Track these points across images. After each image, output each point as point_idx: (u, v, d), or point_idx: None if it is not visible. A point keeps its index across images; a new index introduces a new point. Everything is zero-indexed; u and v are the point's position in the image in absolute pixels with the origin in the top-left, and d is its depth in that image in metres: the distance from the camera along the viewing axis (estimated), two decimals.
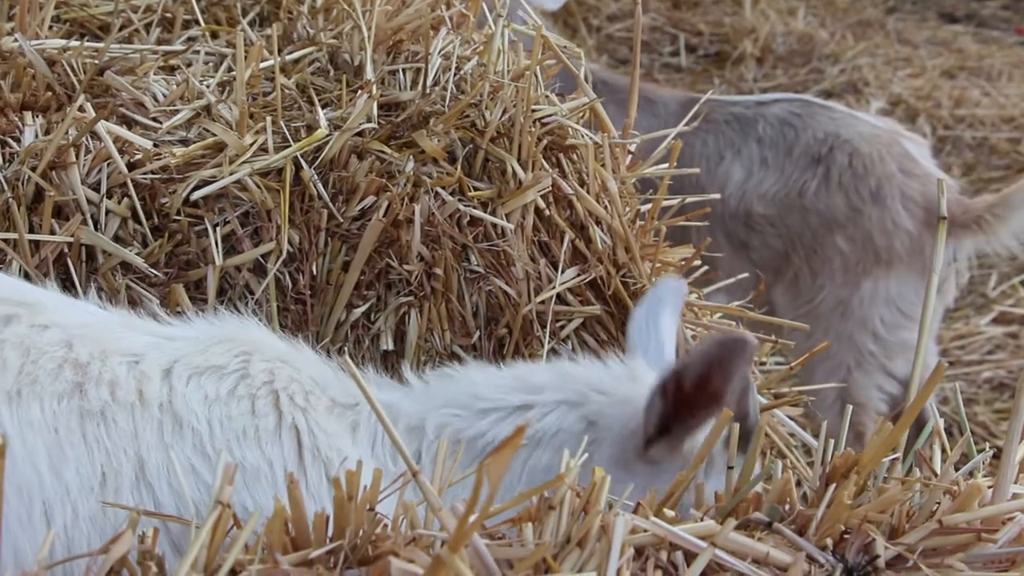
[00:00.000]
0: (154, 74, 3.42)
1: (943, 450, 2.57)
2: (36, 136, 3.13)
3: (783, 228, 4.81)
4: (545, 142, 3.31)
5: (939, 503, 2.27)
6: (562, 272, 3.25)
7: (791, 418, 3.49)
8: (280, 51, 3.50)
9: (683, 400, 2.44)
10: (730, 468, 2.57)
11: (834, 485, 2.28)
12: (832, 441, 2.50)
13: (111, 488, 2.31)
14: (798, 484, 2.58)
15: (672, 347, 2.83)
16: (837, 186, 4.71)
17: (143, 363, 2.44)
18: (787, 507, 2.30)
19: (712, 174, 4.85)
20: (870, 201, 4.65)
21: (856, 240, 4.68)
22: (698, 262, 3.55)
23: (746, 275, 4.21)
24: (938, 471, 2.46)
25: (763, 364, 3.64)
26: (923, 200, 4.61)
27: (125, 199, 3.06)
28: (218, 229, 3.09)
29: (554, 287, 3.22)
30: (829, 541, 2.17)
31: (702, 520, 2.16)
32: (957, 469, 2.42)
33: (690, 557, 2.04)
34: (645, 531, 2.05)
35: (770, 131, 4.89)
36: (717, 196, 4.11)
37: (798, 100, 5.05)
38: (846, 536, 2.19)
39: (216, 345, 2.53)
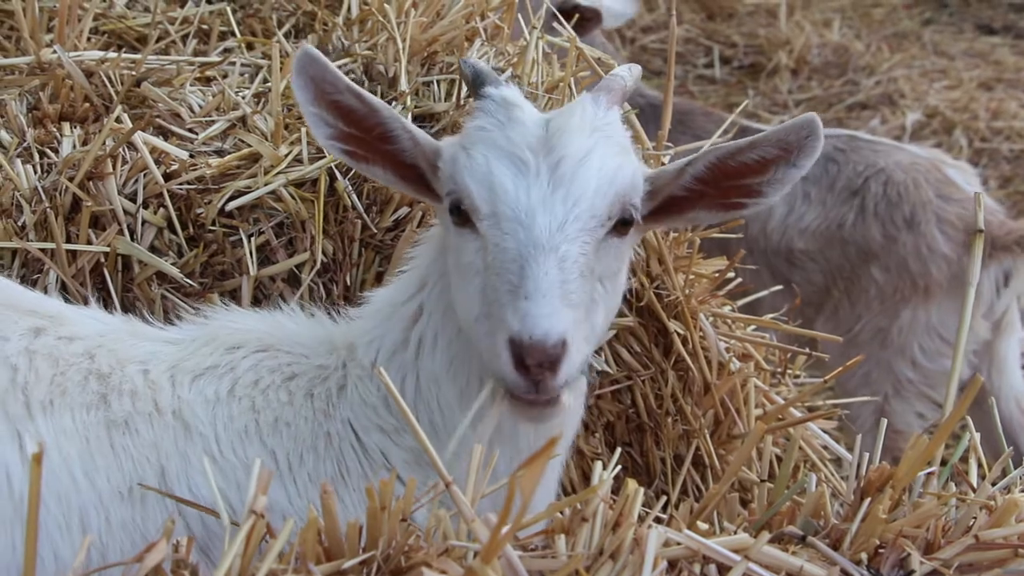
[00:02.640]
0: (190, 85, 3.44)
1: (980, 465, 2.55)
2: (74, 147, 3.16)
3: (824, 262, 4.74)
4: None
5: (975, 518, 2.26)
6: None
7: (825, 431, 3.47)
8: None
9: (362, 137, 2.47)
10: (763, 481, 2.56)
11: (869, 499, 2.26)
12: (867, 455, 2.49)
13: (138, 495, 2.40)
14: (832, 497, 2.57)
15: None
16: (873, 216, 4.65)
17: (152, 371, 2.53)
18: (821, 521, 2.28)
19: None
20: (904, 228, 4.58)
21: (891, 268, 4.61)
22: (732, 274, 3.54)
23: (779, 287, 4.20)
24: (975, 486, 2.44)
25: (797, 377, 3.62)
26: (962, 224, 4.54)
27: (161, 209, 3.08)
28: (253, 239, 3.10)
29: None
30: (864, 555, 2.15)
31: (736, 533, 2.15)
32: (994, 484, 2.40)
33: (724, 570, 2.03)
34: (678, 544, 2.04)
35: (814, 167, 4.86)
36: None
37: (845, 135, 5.00)
38: (881, 551, 2.17)
39: (203, 347, 2.63)
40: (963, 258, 4.51)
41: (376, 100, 2.45)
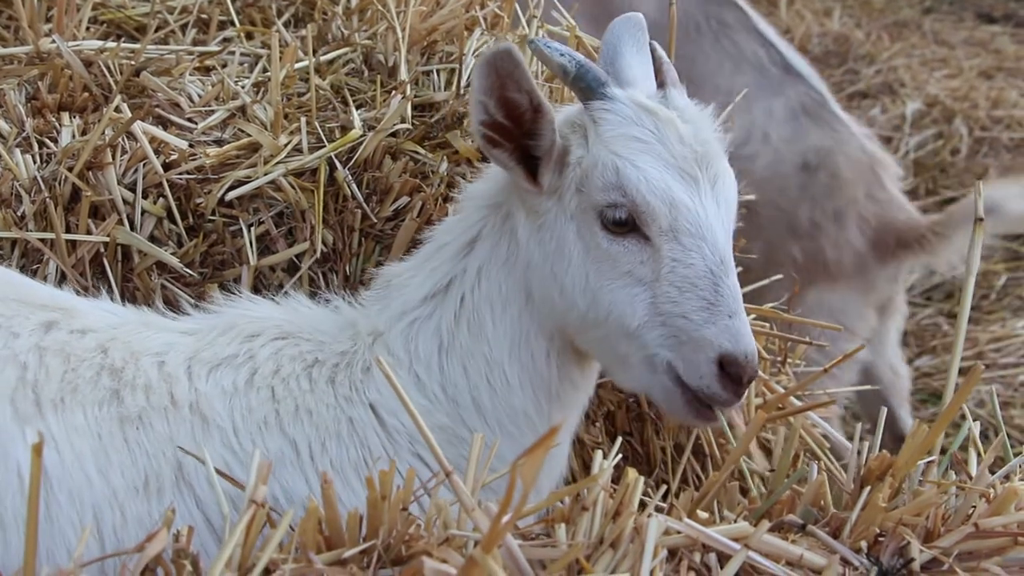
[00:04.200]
0: (190, 75, 3.44)
1: (979, 453, 2.56)
2: (73, 136, 3.15)
3: (752, 216, 4.84)
4: None
5: (975, 506, 2.26)
6: None
7: (825, 420, 3.47)
8: (315, 52, 3.50)
9: (512, 129, 2.49)
10: (771, 471, 2.56)
11: (868, 488, 2.27)
12: (867, 443, 2.49)
13: (154, 489, 2.38)
14: (831, 484, 2.57)
15: (650, 75, 2.72)
16: (811, 199, 4.82)
17: (168, 363, 2.51)
18: (821, 510, 2.29)
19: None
20: (832, 220, 4.77)
21: (809, 252, 4.78)
22: None
23: (780, 277, 4.20)
24: (974, 474, 2.44)
25: (798, 365, 3.62)
26: (876, 222, 4.77)
27: (161, 199, 3.08)
28: (252, 229, 3.10)
29: None
30: (863, 544, 2.16)
31: (736, 522, 2.15)
32: (993, 472, 2.40)
33: (723, 559, 2.03)
34: (678, 532, 2.04)
35: (782, 111, 4.92)
36: (752, 197, 4.10)
37: (817, 94, 5.07)
38: (881, 539, 2.18)
39: (220, 336, 2.61)
40: (869, 253, 4.74)
41: (547, 104, 2.47)
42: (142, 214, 3.07)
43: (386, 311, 2.68)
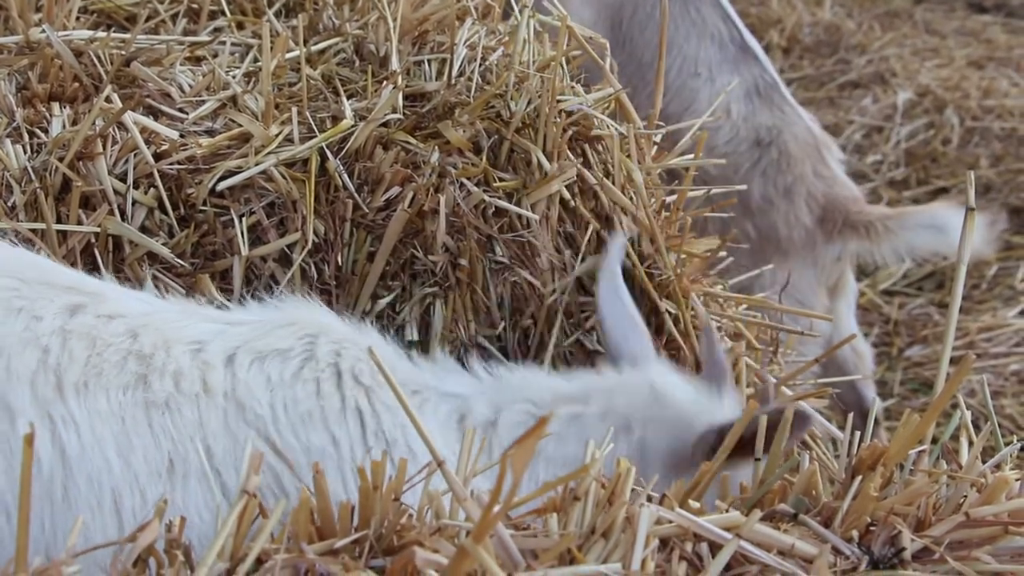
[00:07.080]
0: (180, 65, 3.43)
1: (970, 443, 2.56)
2: (63, 127, 3.15)
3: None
4: (570, 133, 3.30)
5: (966, 496, 2.27)
6: (582, 260, 3.24)
7: (816, 410, 3.48)
8: (306, 42, 3.50)
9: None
10: (757, 460, 2.56)
11: (860, 477, 2.27)
12: (858, 433, 2.50)
13: (179, 474, 2.34)
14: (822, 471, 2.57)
15: (638, 316, 2.95)
16: (761, 174, 4.88)
17: (206, 352, 2.46)
18: (812, 499, 2.29)
19: (683, 85, 4.99)
20: (783, 195, 4.83)
21: (762, 229, 4.82)
22: (723, 253, 3.55)
23: (771, 267, 4.22)
24: (964, 464, 2.45)
25: (789, 355, 3.63)
26: (824, 200, 4.84)
27: (152, 189, 3.07)
28: (244, 219, 3.10)
29: (573, 274, 3.22)
30: (855, 533, 2.16)
31: (727, 511, 2.15)
32: (984, 462, 2.41)
33: (715, 548, 2.04)
34: (670, 522, 2.05)
35: (739, 88, 4.98)
36: (743, 187, 4.11)
37: (769, 76, 5.13)
38: (872, 528, 2.18)
39: (280, 329, 2.56)
40: (817, 230, 4.81)
41: None
42: (133, 204, 3.07)
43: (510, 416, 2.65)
